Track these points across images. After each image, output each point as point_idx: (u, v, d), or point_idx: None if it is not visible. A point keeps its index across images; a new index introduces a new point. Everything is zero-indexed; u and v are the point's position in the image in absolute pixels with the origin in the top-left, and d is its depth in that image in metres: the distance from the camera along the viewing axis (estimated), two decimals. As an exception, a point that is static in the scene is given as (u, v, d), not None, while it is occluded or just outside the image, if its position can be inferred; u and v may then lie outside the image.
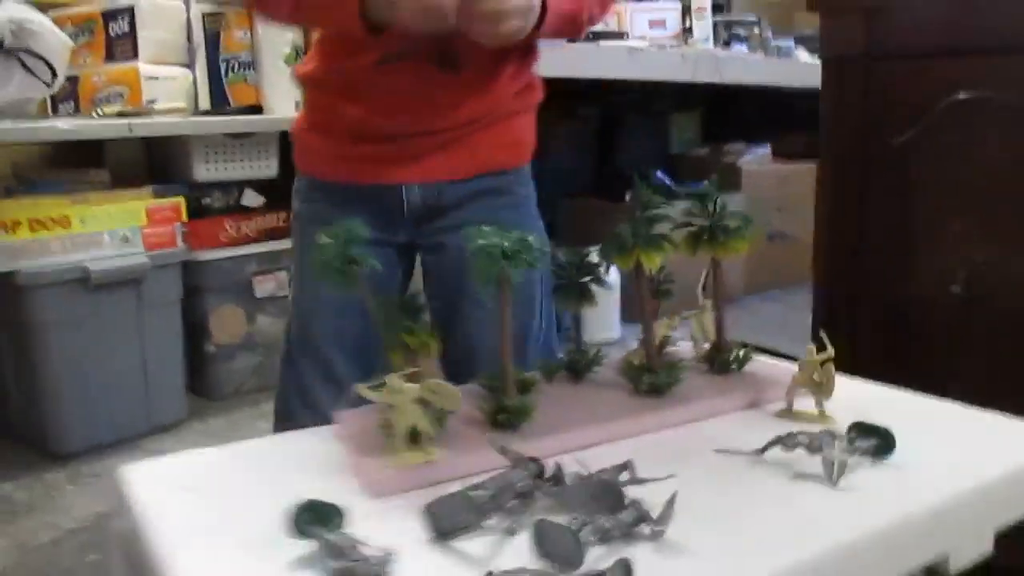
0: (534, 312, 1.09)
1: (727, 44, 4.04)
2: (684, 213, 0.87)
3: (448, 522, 0.58)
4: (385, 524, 0.58)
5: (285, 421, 1.06)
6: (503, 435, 0.70)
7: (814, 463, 0.66)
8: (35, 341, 2.17)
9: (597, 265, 0.85)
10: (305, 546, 0.56)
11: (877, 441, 0.68)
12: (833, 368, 0.77)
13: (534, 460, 0.63)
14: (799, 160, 3.95)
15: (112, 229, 2.26)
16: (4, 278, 2.11)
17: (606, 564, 0.50)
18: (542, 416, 0.75)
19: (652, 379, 0.81)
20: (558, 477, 0.63)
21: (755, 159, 4.07)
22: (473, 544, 0.57)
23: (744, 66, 3.75)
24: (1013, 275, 1.20)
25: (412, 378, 0.67)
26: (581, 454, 0.68)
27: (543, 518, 0.55)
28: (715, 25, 4.01)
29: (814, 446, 0.66)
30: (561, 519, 0.56)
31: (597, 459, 0.66)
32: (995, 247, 1.22)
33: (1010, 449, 0.70)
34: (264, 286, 2.61)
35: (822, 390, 0.77)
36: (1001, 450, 0.70)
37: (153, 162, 2.86)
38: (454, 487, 0.62)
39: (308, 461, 0.72)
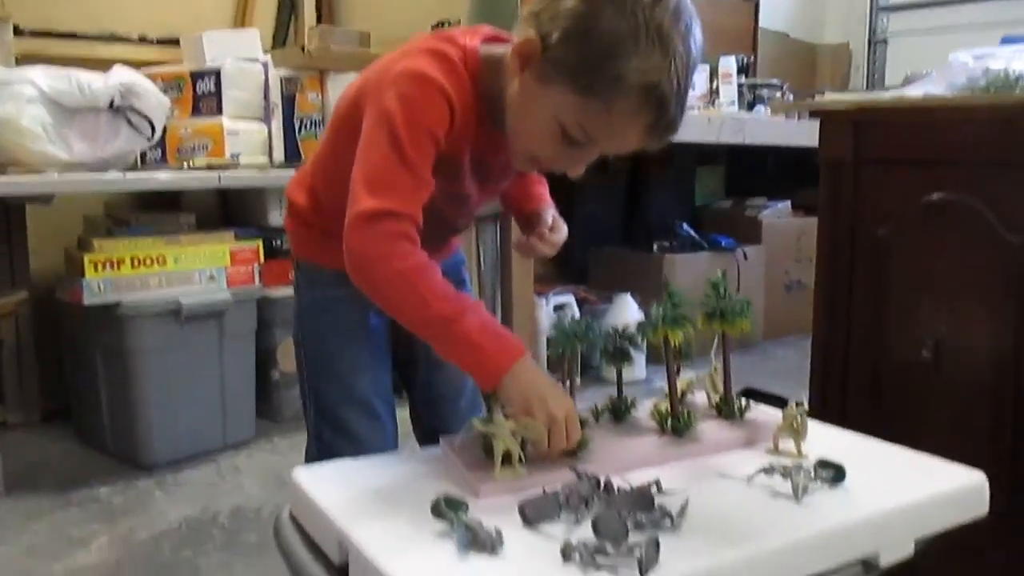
0: (467, 376, 1.28)
1: (751, 106, 4.31)
2: (703, 296, 1.15)
3: (535, 514, 0.86)
4: (492, 515, 0.86)
5: (331, 458, 1.15)
6: (569, 460, 0.99)
7: (787, 486, 0.93)
8: (130, 365, 2.47)
9: (635, 335, 1.14)
10: (442, 525, 0.85)
11: (834, 472, 0.96)
12: (807, 418, 1.05)
13: (593, 476, 0.91)
14: (816, 214, 4.20)
15: (201, 268, 2.57)
16: (106, 308, 2.42)
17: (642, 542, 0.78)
18: (595, 447, 1.03)
19: (674, 423, 1.09)
20: (609, 488, 0.91)
21: (775, 212, 4.31)
22: (552, 528, 0.86)
23: (766, 128, 4.03)
24: (970, 350, 1.47)
25: (507, 416, 0.97)
26: (624, 475, 0.96)
27: (600, 513, 0.83)
28: (740, 87, 4.30)
29: (787, 474, 0.94)
30: (611, 514, 0.84)
31: (635, 479, 0.94)
32: (957, 325, 1.48)
33: (931, 481, 0.98)
34: (327, 322, 2.90)
35: (799, 435, 1.05)
36: (923, 481, 0.97)
37: (228, 207, 3.18)
38: (536, 494, 0.90)
39: (431, 470, 1.01)
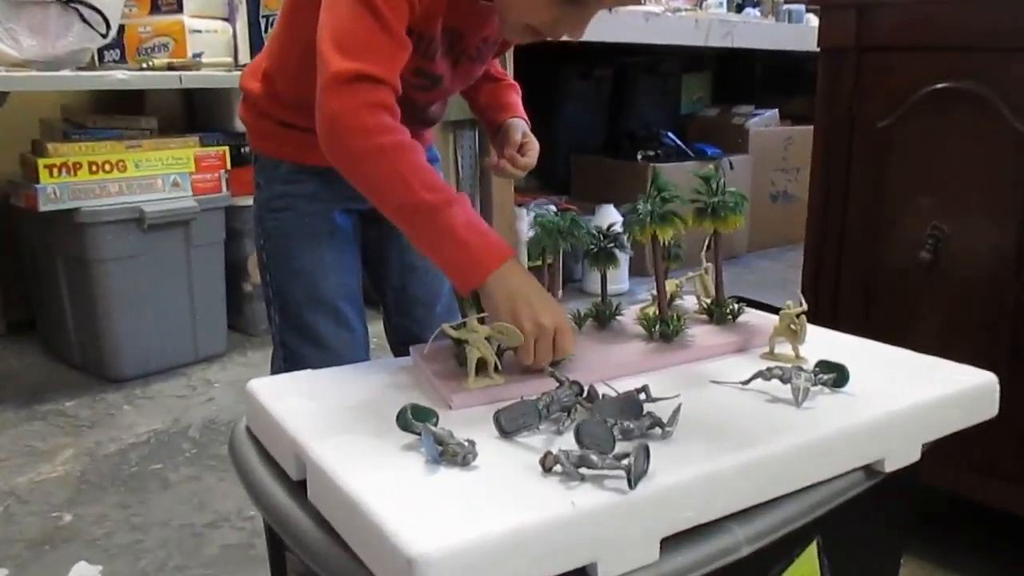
0: (444, 279, 1.24)
1: (740, 8, 4.15)
2: (692, 191, 1.06)
3: (512, 424, 0.79)
4: (464, 427, 0.78)
5: (297, 366, 1.08)
6: (549, 367, 0.90)
7: (785, 390, 0.86)
8: (93, 275, 2.36)
9: (620, 234, 1.05)
10: (409, 437, 0.77)
11: (836, 375, 0.88)
12: (806, 319, 0.97)
13: (575, 382, 0.84)
14: (805, 123, 4.08)
15: (165, 174, 2.45)
16: (65, 215, 2.30)
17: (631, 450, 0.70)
18: (578, 354, 0.95)
19: (663, 327, 1.01)
20: (593, 395, 0.84)
21: (763, 121, 4.19)
22: (531, 439, 0.78)
23: (755, 31, 3.88)
24: (972, 246, 1.39)
25: (482, 321, 0.88)
26: (609, 382, 0.88)
27: (583, 420, 0.76)
28: (730, -12, 4.12)
29: (786, 377, 0.86)
30: (596, 422, 0.76)
31: (621, 386, 0.87)
32: (958, 221, 1.41)
33: (938, 383, 0.91)
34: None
35: (797, 337, 0.97)
36: (931, 383, 0.90)
37: (194, 111, 3.03)
38: (514, 403, 0.82)
39: (400, 381, 0.93)
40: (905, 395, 0.87)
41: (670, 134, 3.86)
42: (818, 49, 1.55)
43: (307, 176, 1.17)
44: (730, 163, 3.88)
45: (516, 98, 1.31)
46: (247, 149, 2.71)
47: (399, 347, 1.33)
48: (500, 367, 0.89)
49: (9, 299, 2.80)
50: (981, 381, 0.92)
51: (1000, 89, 1.32)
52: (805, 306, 0.97)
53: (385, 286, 1.32)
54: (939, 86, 1.39)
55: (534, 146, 1.25)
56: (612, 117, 4.24)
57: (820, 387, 0.88)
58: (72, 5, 2.37)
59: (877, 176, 1.49)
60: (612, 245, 1.07)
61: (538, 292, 0.92)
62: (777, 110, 4.27)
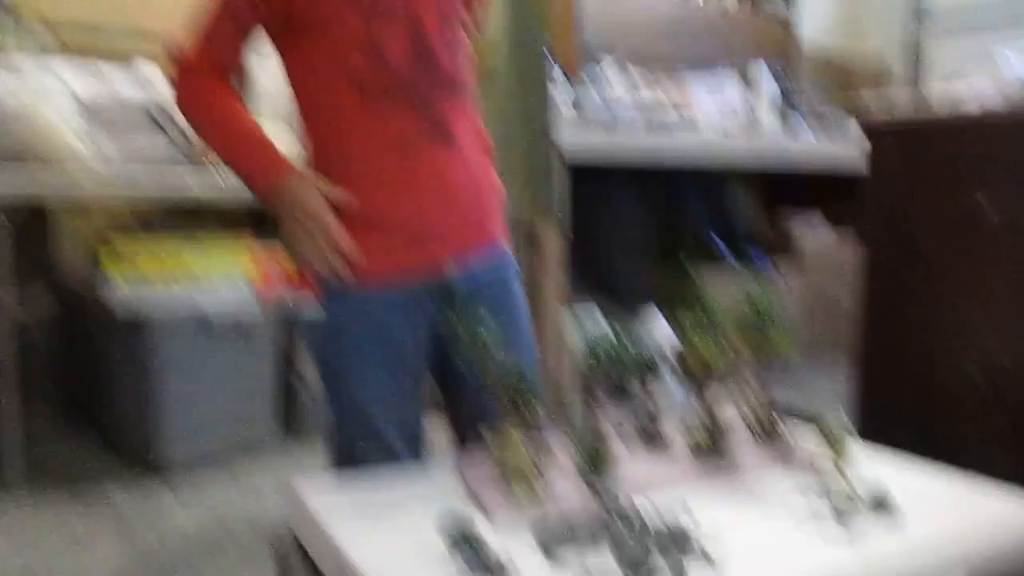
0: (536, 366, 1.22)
1: (785, 115, 4.18)
2: (738, 302, 1.07)
3: (549, 536, 0.79)
4: (503, 537, 0.79)
5: None
6: (591, 478, 0.91)
7: (826, 509, 0.85)
8: (149, 368, 2.42)
9: (665, 363, 1.07)
10: (449, 546, 0.78)
11: (880, 503, 0.87)
12: (848, 436, 0.97)
13: (614, 496, 0.84)
14: (850, 226, 4.04)
15: (226, 274, 2.53)
16: (128, 312, 2.38)
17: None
18: (618, 464, 0.95)
19: (705, 440, 1.02)
20: (633, 512, 0.84)
21: (808, 224, 4.19)
22: (568, 552, 0.78)
23: (809, 153, 3.89)
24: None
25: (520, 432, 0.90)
26: (648, 494, 0.89)
27: (619, 535, 0.76)
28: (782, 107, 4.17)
29: (828, 498, 0.86)
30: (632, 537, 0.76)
31: (660, 498, 0.87)
32: (1015, 349, 1.37)
33: (989, 517, 0.88)
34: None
35: (839, 455, 0.97)
36: (982, 517, 0.88)
37: (253, 211, 3.13)
38: (552, 514, 0.83)
39: (443, 487, 0.94)
40: (954, 532, 0.85)
41: (715, 236, 3.88)
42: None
43: (358, 289, 1.14)
44: (776, 267, 3.88)
45: None
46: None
47: None
48: (540, 475, 0.90)
49: (67, 385, 2.88)
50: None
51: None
52: (849, 424, 0.97)
53: (456, 397, 1.24)
54: (992, 216, 1.38)
55: None
56: (660, 219, 4.27)
57: (861, 508, 0.87)
58: (153, 116, 2.51)
59: (928, 299, 1.47)
60: (657, 373, 1.08)
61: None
62: (822, 214, 4.28)
